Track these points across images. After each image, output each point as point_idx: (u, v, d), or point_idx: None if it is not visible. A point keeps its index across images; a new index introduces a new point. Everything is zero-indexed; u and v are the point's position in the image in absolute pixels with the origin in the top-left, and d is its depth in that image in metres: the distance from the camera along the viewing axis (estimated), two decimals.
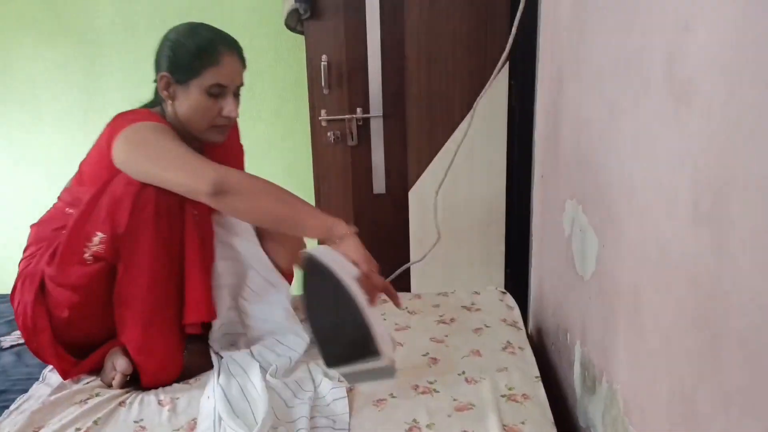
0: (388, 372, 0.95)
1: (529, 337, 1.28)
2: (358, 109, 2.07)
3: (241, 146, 1.42)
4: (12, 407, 1.05)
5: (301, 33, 2.10)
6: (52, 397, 1.05)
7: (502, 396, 1.02)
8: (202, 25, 1.21)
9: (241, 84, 1.23)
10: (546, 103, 1.33)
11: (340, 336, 0.94)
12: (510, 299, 1.41)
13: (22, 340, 1.23)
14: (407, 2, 1.97)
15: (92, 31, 2.43)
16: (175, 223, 1.10)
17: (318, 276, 0.95)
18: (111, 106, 2.56)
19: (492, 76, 1.40)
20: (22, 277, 1.14)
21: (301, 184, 2.45)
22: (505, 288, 1.49)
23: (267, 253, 1.30)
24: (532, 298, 1.57)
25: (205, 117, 1.17)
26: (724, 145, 0.50)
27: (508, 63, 1.63)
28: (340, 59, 2.03)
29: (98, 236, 1.05)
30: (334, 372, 1.10)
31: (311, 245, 1.35)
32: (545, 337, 1.36)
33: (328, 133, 2.09)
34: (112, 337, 1.13)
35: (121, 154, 1.08)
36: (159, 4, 2.36)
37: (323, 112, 2.08)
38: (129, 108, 1.22)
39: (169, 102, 1.17)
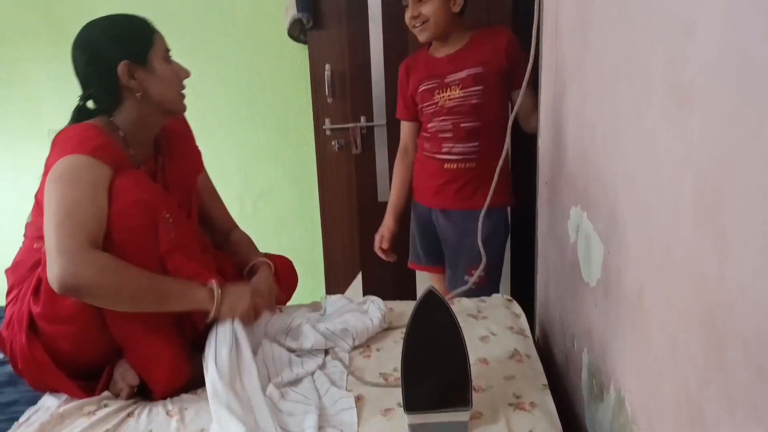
0: (462, 428, 0.94)
1: (535, 344, 1.27)
2: (362, 118, 2.08)
3: (197, 146, 1.39)
4: (21, 419, 1.06)
5: (305, 42, 2.12)
6: (61, 409, 1.05)
7: (510, 404, 1.01)
8: (112, 14, 1.18)
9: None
10: (549, 109, 1.33)
11: (438, 379, 0.92)
12: (516, 307, 1.41)
13: None
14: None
15: None
16: (153, 232, 1.07)
17: (432, 312, 0.93)
18: None
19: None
20: (11, 322, 1.10)
21: (306, 192, 2.46)
22: (511, 295, 1.49)
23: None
24: (539, 305, 1.57)
25: (174, 84, 1.18)
26: (726, 149, 0.50)
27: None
28: (344, 68, 2.04)
29: None
30: (342, 382, 1.11)
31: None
32: (552, 344, 1.36)
33: (332, 142, 2.11)
34: (120, 354, 1.12)
35: (45, 194, 1.04)
36: (163, 16, 2.37)
37: (327, 120, 2.09)
38: None
39: (137, 94, 1.12)
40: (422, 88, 1.70)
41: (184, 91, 1.21)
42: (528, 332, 1.29)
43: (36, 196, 1.14)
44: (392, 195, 1.88)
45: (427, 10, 1.58)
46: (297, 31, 2.08)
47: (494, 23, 1.80)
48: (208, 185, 1.41)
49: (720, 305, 0.52)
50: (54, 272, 0.96)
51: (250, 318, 1.16)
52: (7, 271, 1.18)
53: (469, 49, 1.65)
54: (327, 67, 2.01)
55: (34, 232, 1.15)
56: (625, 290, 0.80)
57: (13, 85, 2.55)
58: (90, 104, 1.17)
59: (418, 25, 1.61)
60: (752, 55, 0.46)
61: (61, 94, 2.53)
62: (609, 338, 0.89)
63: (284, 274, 1.39)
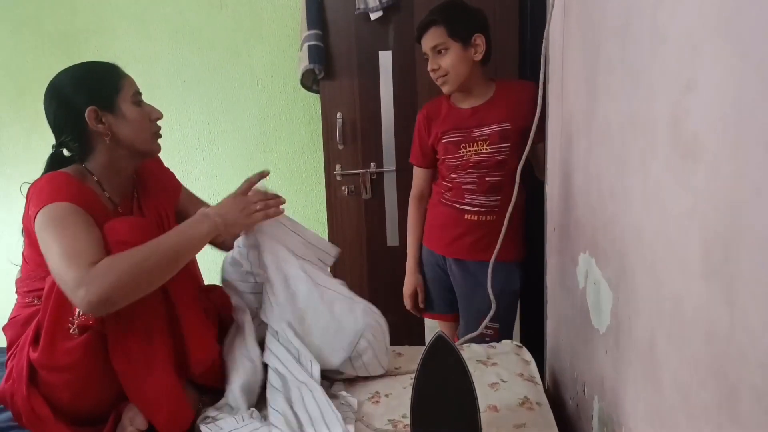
0: None
1: (546, 391, 1.26)
2: (372, 164, 2.12)
3: (168, 170, 1.40)
4: None
5: (317, 92, 2.18)
6: None
7: None
8: (82, 62, 1.23)
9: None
10: (557, 157, 1.36)
11: (447, 426, 0.93)
12: (526, 353, 1.40)
13: None
14: (418, 63, 2.06)
15: None
16: None
17: (442, 357, 0.94)
18: None
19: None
20: (10, 375, 1.10)
21: None
22: (521, 341, 1.48)
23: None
24: (549, 351, 1.56)
25: (145, 126, 1.20)
26: (730, 201, 0.52)
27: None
28: (354, 116, 2.10)
29: None
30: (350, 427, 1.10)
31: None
32: (563, 391, 1.34)
33: (343, 187, 2.14)
34: (123, 400, 1.11)
35: (41, 245, 1.05)
36: (179, 64, 2.47)
37: (338, 166, 2.13)
38: None
39: (106, 138, 1.15)
40: (446, 139, 1.66)
41: (159, 132, 1.24)
42: (538, 379, 1.28)
43: (23, 255, 1.17)
44: (412, 246, 1.83)
45: (446, 62, 1.56)
46: (310, 81, 2.15)
47: (501, 76, 1.84)
48: (190, 195, 1.43)
49: (731, 355, 0.53)
50: (82, 302, 0.97)
51: (257, 217, 1.23)
52: (3, 328, 1.19)
53: (494, 103, 1.61)
54: (338, 115, 2.07)
55: (24, 287, 1.16)
56: (635, 338, 0.81)
57: (38, 135, 2.62)
58: (66, 152, 1.21)
59: (439, 78, 1.59)
60: (752, 111, 0.48)
61: None
62: (620, 386, 0.89)
63: None
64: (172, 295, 1.11)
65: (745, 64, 0.49)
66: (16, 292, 1.20)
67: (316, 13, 2.03)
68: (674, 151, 0.64)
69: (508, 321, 1.69)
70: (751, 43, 0.48)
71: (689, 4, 0.61)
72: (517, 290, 1.70)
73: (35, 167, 2.76)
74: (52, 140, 1.14)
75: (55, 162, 1.20)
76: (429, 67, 1.60)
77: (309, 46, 2.02)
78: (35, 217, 1.06)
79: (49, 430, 1.07)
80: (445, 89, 1.61)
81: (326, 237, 2.22)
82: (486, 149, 1.60)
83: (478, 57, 1.57)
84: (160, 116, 1.23)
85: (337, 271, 2.19)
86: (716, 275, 0.55)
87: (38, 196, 1.09)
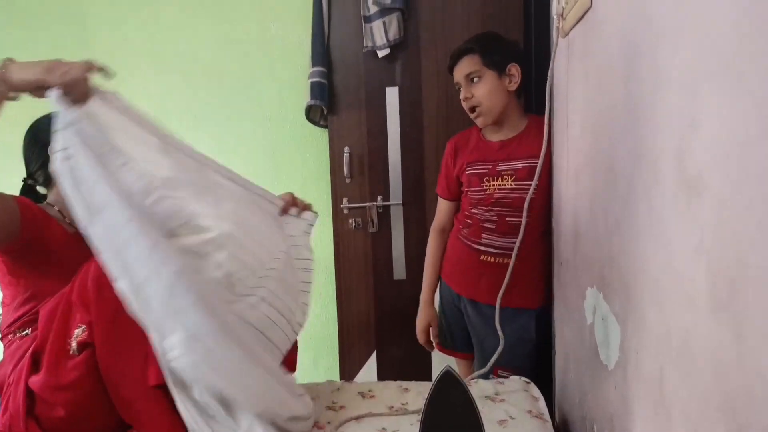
0: None
1: (555, 428, 1.24)
2: (379, 197, 2.14)
3: None
4: None
5: (324, 126, 2.22)
6: None
7: None
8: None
9: None
10: (563, 192, 1.37)
11: None
12: (535, 389, 1.38)
13: None
14: (425, 98, 2.09)
15: None
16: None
17: (450, 393, 0.93)
18: None
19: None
20: (8, 409, 1.10)
21: (323, 269, 2.48)
22: (529, 376, 1.46)
23: None
24: (557, 387, 1.54)
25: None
26: (736, 237, 0.53)
27: None
28: (362, 150, 2.13)
29: (80, 327, 1.06)
30: None
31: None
32: (572, 428, 1.32)
33: (350, 220, 2.15)
34: (124, 427, 1.11)
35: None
36: (191, 100, 2.52)
37: (345, 199, 2.15)
38: None
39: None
40: (470, 171, 1.59)
41: None
42: (547, 416, 1.27)
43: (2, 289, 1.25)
44: (428, 277, 1.76)
45: (479, 91, 1.50)
46: (317, 116, 2.19)
47: None
48: None
49: (739, 391, 0.52)
50: None
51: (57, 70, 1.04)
52: None
53: (524, 137, 1.53)
54: (346, 149, 2.10)
55: (4, 325, 1.21)
56: (644, 374, 0.80)
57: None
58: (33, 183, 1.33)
59: (473, 109, 1.53)
60: (755, 148, 0.49)
61: None
62: (630, 423, 0.88)
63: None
64: None
65: (747, 102, 0.50)
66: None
67: (321, 52, 2.08)
68: (679, 188, 0.65)
69: (525, 368, 1.54)
70: (751, 81, 0.49)
71: (688, 44, 0.62)
72: (533, 339, 1.58)
73: None
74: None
75: (28, 196, 1.30)
76: (462, 96, 1.55)
77: (312, 83, 2.07)
78: None
79: None
80: (479, 122, 1.56)
81: (333, 269, 2.22)
82: (510, 185, 1.52)
83: (513, 87, 1.52)
84: None
85: (343, 304, 2.19)
86: (724, 311, 0.55)
87: None
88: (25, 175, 1.37)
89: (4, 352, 1.21)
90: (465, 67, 1.54)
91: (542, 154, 1.39)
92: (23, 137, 1.28)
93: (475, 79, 1.53)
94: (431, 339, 1.80)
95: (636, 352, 0.84)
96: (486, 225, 1.58)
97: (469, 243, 1.62)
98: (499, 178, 1.54)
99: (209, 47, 2.49)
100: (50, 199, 1.28)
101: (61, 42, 2.59)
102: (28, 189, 1.34)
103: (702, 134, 0.59)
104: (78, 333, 1.06)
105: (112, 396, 1.07)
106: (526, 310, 1.57)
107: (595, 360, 1.06)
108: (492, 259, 1.57)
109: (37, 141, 1.28)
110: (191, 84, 2.52)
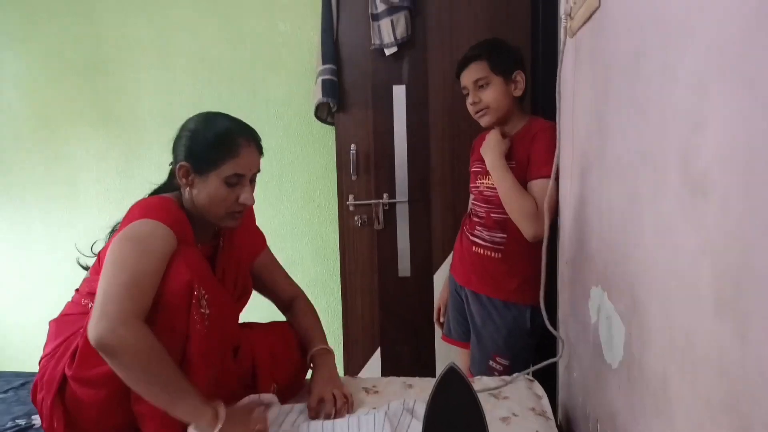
0: None
1: (558, 426, 1.25)
2: (385, 195, 2.14)
3: (258, 229, 1.46)
4: None
5: (331, 124, 2.22)
6: None
7: None
8: (220, 115, 1.25)
9: (258, 171, 1.27)
10: (569, 192, 1.37)
11: None
12: (538, 387, 1.39)
13: None
14: (431, 97, 2.10)
15: (133, 120, 2.61)
16: (181, 316, 1.08)
17: (453, 390, 0.94)
18: (147, 190, 2.70)
19: None
20: (42, 377, 1.14)
21: (328, 267, 2.50)
22: (533, 374, 1.47)
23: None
24: (561, 386, 1.54)
25: (222, 205, 1.21)
26: (741, 238, 0.53)
27: None
28: (368, 148, 2.13)
29: None
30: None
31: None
32: (575, 427, 1.32)
33: (355, 217, 2.16)
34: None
35: (112, 253, 1.07)
36: (197, 96, 2.53)
37: (351, 197, 2.15)
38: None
39: (188, 189, 1.21)
40: (473, 168, 1.71)
41: (238, 212, 1.24)
42: (550, 414, 1.27)
43: (99, 254, 1.21)
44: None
45: (487, 97, 1.56)
46: (324, 114, 2.20)
47: None
48: (270, 261, 1.47)
49: (743, 392, 0.53)
50: (100, 324, 0.97)
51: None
52: (51, 322, 1.22)
53: (516, 140, 1.59)
54: (352, 146, 2.10)
55: (86, 288, 1.19)
56: (648, 373, 0.80)
57: (58, 162, 2.70)
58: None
59: (479, 111, 1.59)
60: (761, 149, 0.49)
61: (98, 169, 2.67)
62: (633, 422, 0.88)
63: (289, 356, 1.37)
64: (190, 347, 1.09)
65: (754, 102, 0.50)
66: (77, 290, 1.23)
67: (331, 49, 2.08)
68: (685, 189, 0.65)
69: (522, 359, 1.63)
70: (758, 82, 0.50)
71: (696, 45, 0.63)
72: (527, 329, 1.63)
73: (55, 194, 2.82)
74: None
75: (160, 186, 1.30)
76: (470, 101, 1.60)
77: (323, 80, 2.07)
78: (132, 223, 1.10)
79: None
80: (483, 121, 1.61)
81: (338, 267, 2.23)
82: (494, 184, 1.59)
83: (518, 93, 1.59)
84: (248, 203, 1.23)
85: (348, 301, 2.20)
86: (728, 311, 0.55)
87: (146, 208, 1.14)
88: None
89: (72, 309, 1.20)
90: (473, 73, 1.58)
91: (557, 150, 1.40)
92: (179, 131, 1.24)
93: (484, 85, 1.58)
94: (440, 319, 1.90)
95: (640, 352, 0.84)
96: (476, 219, 1.68)
97: (466, 233, 1.72)
98: (487, 177, 1.62)
99: (217, 44, 2.50)
100: (185, 196, 1.23)
101: (68, 37, 2.60)
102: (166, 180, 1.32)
103: (708, 135, 0.59)
104: None
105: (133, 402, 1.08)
106: (518, 304, 1.62)
107: (599, 359, 1.06)
108: (482, 251, 1.66)
109: (177, 143, 1.23)
110: (199, 81, 2.53)
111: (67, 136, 2.67)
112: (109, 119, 2.63)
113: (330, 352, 1.37)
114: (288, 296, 1.47)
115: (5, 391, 1.53)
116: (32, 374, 1.65)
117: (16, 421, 1.35)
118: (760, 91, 0.49)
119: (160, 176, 1.24)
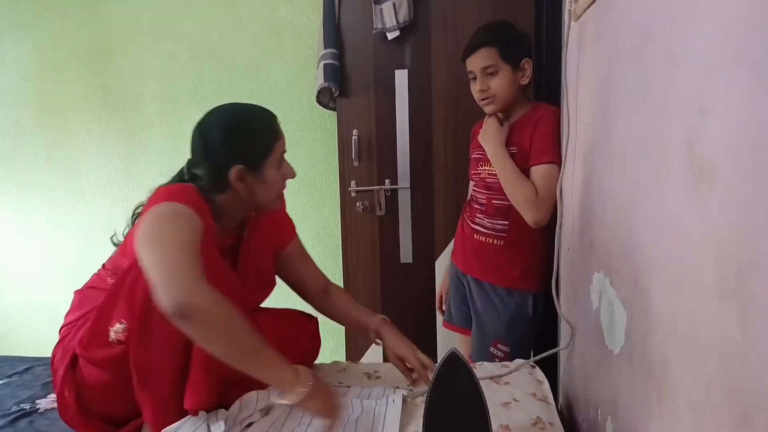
0: None
1: (559, 412, 1.26)
2: (387, 181, 2.14)
3: (288, 218, 1.44)
4: None
5: (333, 109, 2.21)
6: None
7: None
8: (233, 105, 1.21)
9: None
10: (571, 178, 1.37)
11: None
12: (539, 373, 1.39)
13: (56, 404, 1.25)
14: (434, 81, 2.08)
15: (135, 105, 2.60)
16: None
17: (455, 375, 0.94)
18: (149, 175, 2.69)
19: None
20: (61, 347, 1.17)
21: (330, 253, 2.50)
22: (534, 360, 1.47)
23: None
24: (562, 371, 1.55)
25: (278, 188, 1.21)
26: (744, 224, 0.53)
27: None
28: (370, 134, 2.12)
29: (121, 324, 1.06)
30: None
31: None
32: (576, 412, 1.33)
33: (357, 203, 2.16)
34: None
35: (137, 232, 1.05)
36: (199, 81, 2.52)
37: (353, 182, 2.15)
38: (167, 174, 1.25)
39: (241, 194, 1.16)
40: (473, 155, 1.70)
41: (281, 193, 1.24)
42: (551, 399, 1.28)
43: (126, 236, 1.19)
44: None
45: (495, 85, 1.54)
46: (326, 99, 2.19)
47: None
48: (298, 250, 1.45)
49: (745, 377, 0.53)
50: (172, 292, 0.92)
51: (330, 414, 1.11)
52: (76, 292, 1.22)
53: (517, 126, 1.58)
54: (354, 132, 2.09)
55: (112, 266, 1.19)
56: (649, 359, 0.81)
57: (59, 147, 2.70)
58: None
59: (485, 98, 1.56)
60: (765, 136, 0.49)
61: (100, 155, 2.67)
62: (634, 408, 0.89)
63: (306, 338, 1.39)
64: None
65: (760, 89, 0.50)
66: (104, 265, 1.22)
67: (333, 33, 2.06)
68: (688, 174, 0.65)
69: (521, 346, 1.65)
70: (764, 68, 0.49)
71: (702, 30, 0.62)
72: (529, 316, 1.64)
73: (56, 179, 2.83)
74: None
75: (182, 177, 1.23)
76: (477, 88, 1.57)
77: (325, 65, 2.05)
78: (158, 204, 1.06)
79: (68, 411, 1.13)
80: (488, 109, 1.59)
81: (340, 253, 2.24)
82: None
83: (525, 81, 1.56)
84: (293, 176, 1.23)
85: (350, 287, 2.20)
86: (730, 297, 0.55)
87: (170, 193, 1.10)
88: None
89: (97, 283, 1.20)
90: (482, 59, 1.55)
91: (566, 137, 1.39)
92: (195, 137, 1.18)
93: (492, 73, 1.55)
94: (442, 307, 1.91)
95: (642, 337, 0.84)
96: (477, 206, 1.67)
97: (467, 221, 1.72)
98: (488, 164, 1.60)
99: (218, 29, 2.48)
100: (211, 197, 1.17)
101: (70, 22, 2.59)
102: (191, 177, 1.22)
103: (713, 121, 0.59)
104: (118, 329, 1.06)
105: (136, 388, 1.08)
106: (521, 291, 1.63)
107: (601, 344, 1.07)
108: (483, 239, 1.65)
109: (211, 152, 1.16)
110: (199, 66, 2.52)
111: (69, 121, 2.67)
112: (111, 105, 2.62)
113: (391, 323, 1.36)
114: (321, 284, 1.47)
115: (9, 376, 1.55)
116: (36, 359, 1.66)
117: (21, 405, 1.36)
118: (766, 77, 0.49)
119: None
